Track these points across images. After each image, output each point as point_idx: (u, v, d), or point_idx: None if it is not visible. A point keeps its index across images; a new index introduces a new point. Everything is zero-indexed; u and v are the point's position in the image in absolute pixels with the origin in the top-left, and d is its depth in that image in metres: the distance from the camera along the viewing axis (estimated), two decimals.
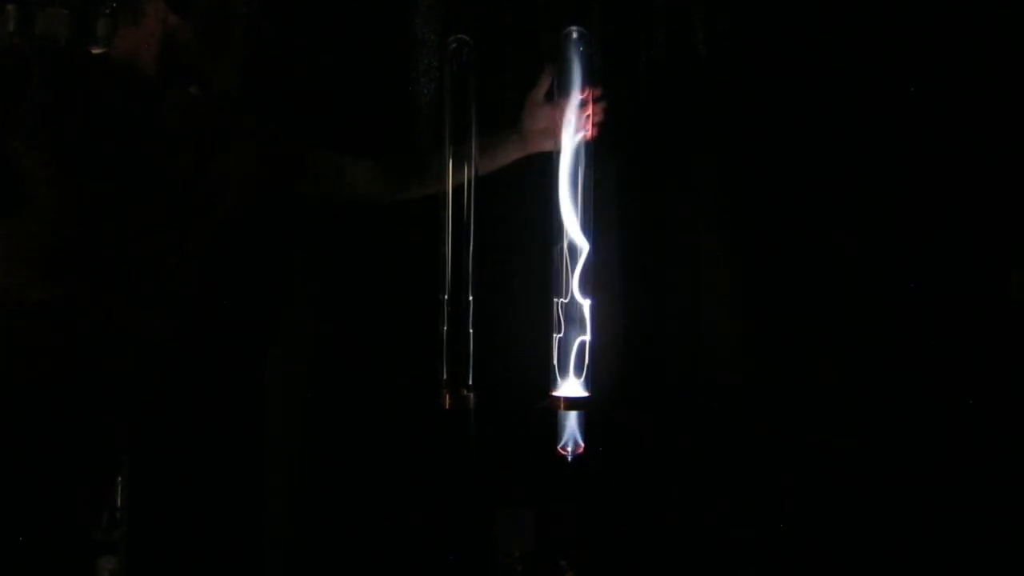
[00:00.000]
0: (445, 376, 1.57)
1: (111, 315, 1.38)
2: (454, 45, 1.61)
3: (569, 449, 1.56)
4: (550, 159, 1.59)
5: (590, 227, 1.55)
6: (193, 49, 1.41)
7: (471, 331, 1.57)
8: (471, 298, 1.58)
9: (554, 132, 1.64)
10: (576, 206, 1.55)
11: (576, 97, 1.57)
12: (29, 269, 1.33)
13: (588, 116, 1.58)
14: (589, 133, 1.58)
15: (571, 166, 1.57)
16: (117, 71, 1.40)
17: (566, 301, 1.54)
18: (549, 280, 1.56)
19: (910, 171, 1.85)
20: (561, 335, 1.54)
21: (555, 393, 1.54)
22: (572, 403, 1.54)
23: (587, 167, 1.57)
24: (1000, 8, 1.82)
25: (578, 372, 1.54)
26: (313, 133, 1.73)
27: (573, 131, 1.57)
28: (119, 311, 1.39)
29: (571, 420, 1.56)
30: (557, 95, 1.60)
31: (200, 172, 1.45)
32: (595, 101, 1.59)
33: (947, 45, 1.83)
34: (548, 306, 1.55)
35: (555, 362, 1.54)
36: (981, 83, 1.82)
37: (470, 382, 1.57)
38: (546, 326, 1.55)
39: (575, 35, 1.57)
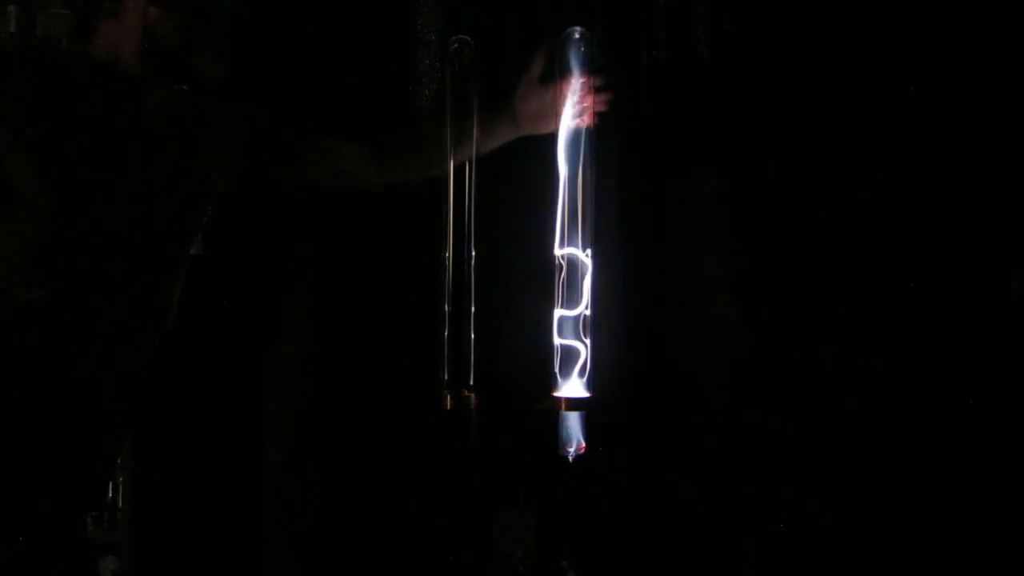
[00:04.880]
0: (446, 377, 1.57)
1: (102, 313, 1.38)
2: (455, 45, 1.61)
3: (570, 449, 1.56)
4: (551, 153, 1.59)
5: (592, 227, 1.55)
6: (175, 41, 1.41)
7: (472, 332, 1.57)
8: (472, 298, 1.58)
9: (548, 115, 1.64)
10: (577, 204, 1.55)
11: (575, 83, 1.57)
12: (17, 268, 1.33)
13: (586, 104, 1.58)
14: (587, 120, 1.57)
15: (572, 162, 1.57)
16: (99, 66, 1.39)
17: (567, 300, 1.54)
18: (551, 280, 1.56)
19: (912, 170, 1.85)
20: (562, 336, 1.55)
21: (556, 394, 1.55)
22: (573, 404, 1.54)
23: (589, 166, 1.57)
24: (1000, 8, 1.82)
25: (579, 373, 1.55)
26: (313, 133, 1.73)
27: (571, 120, 1.57)
28: (110, 308, 1.38)
29: (572, 421, 1.56)
30: (559, 81, 1.60)
31: (185, 164, 1.44)
32: (595, 90, 1.59)
33: (948, 45, 1.83)
34: (549, 307, 1.56)
35: (556, 363, 1.55)
36: (982, 83, 1.82)
37: (471, 383, 1.57)
38: (547, 327, 1.55)
39: (577, 35, 1.57)
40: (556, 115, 1.59)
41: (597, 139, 1.59)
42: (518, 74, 1.69)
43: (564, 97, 1.57)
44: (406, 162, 1.73)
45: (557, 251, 1.56)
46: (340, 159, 1.68)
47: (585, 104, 1.57)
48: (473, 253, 1.59)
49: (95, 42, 1.41)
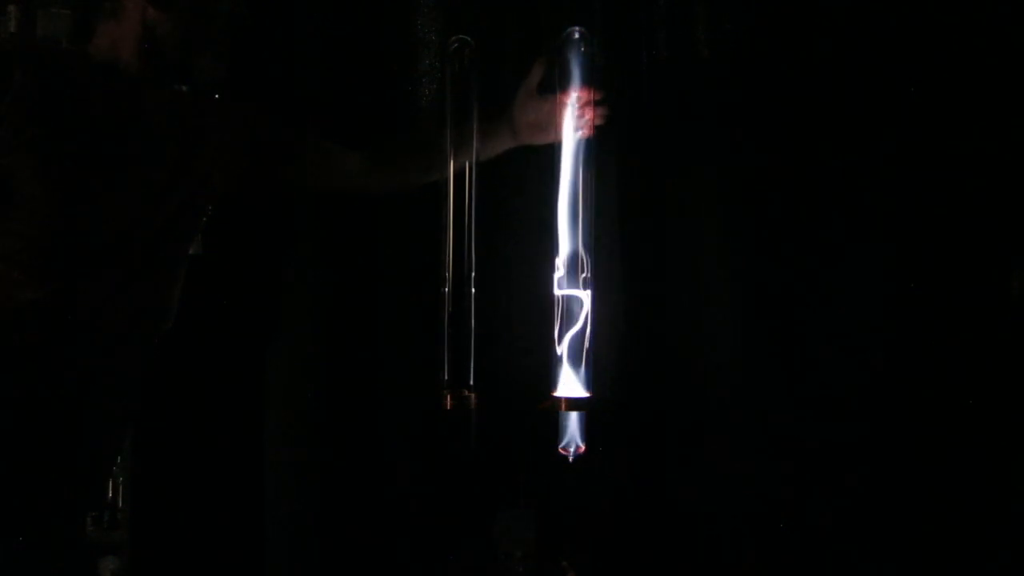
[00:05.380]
0: (446, 377, 1.57)
1: (102, 313, 1.38)
2: (455, 45, 1.61)
3: (570, 449, 1.56)
4: (550, 155, 1.59)
5: (591, 227, 1.55)
6: (174, 41, 1.41)
7: (472, 331, 1.57)
8: (472, 298, 1.58)
9: (546, 126, 1.64)
10: (577, 206, 1.55)
11: (574, 95, 1.57)
12: (17, 268, 1.33)
13: (585, 116, 1.57)
14: (585, 132, 1.57)
15: (571, 164, 1.57)
16: (99, 66, 1.39)
17: (567, 301, 1.54)
18: (550, 280, 1.56)
19: (911, 171, 1.85)
20: (561, 335, 1.55)
21: (556, 394, 1.55)
22: (573, 404, 1.54)
23: (588, 167, 1.57)
24: (1000, 8, 1.82)
25: (579, 373, 1.55)
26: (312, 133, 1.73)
27: (571, 129, 1.57)
28: (110, 308, 1.38)
29: (572, 420, 1.56)
30: (558, 91, 1.59)
31: (185, 164, 1.44)
32: (594, 104, 1.58)
33: (948, 45, 1.83)
34: (549, 306, 1.56)
35: (556, 363, 1.54)
36: (982, 83, 1.82)
37: (471, 383, 1.57)
38: (547, 326, 1.55)
39: (576, 35, 1.57)
40: (555, 126, 1.59)
41: (597, 139, 1.59)
42: (518, 78, 1.69)
43: (563, 107, 1.57)
44: (405, 167, 1.73)
45: (557, 253, 1.56)
46: (340, 161, 1.68)
47: (584, 117, 1.57)
48: (473, 253, 1.59)
49: (95, 42, 1.41)
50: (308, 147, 1.66)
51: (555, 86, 1.59)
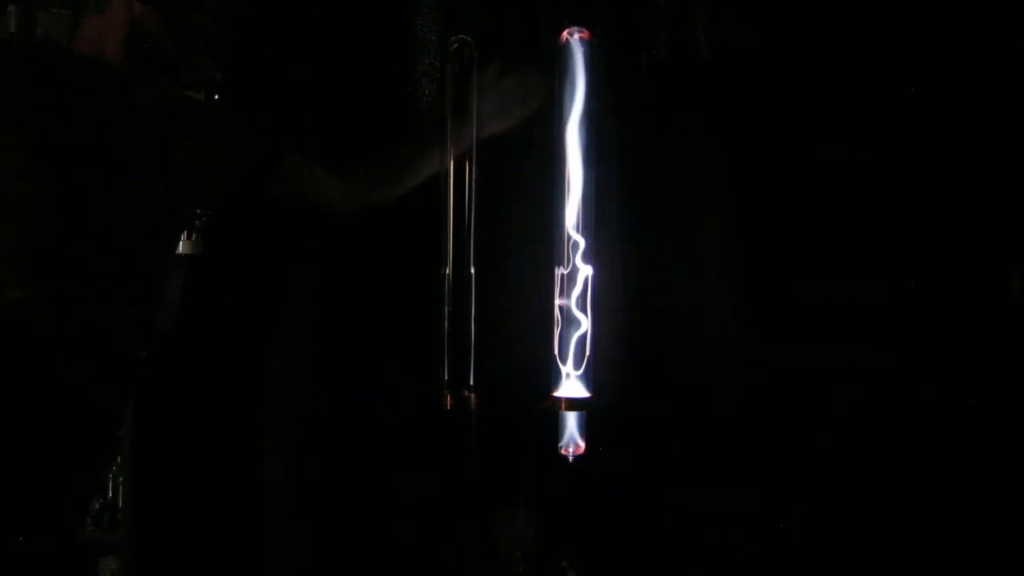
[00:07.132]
0: (446, 377, 1.57)
1: (93, 311, 1.37)
2: (455, 45, 1.61)
3: (570, 450, 1.56)
4: (551, 154, 1.59)
5: (591, 228, 1.55)
6: (162, 37, 1.39)
7: (472, 332, 1.57)
8: (472, 298, 1.58)
9: (503, 114, 1.64)
10: (577, 205, 1.56)
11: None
12: (7, 267, 1.32)
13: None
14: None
15: (571, 163, 1.57)
16: (83, 62, 1.38)
17: (567, 302, 1.54)
18: (550, 281, 1.56)
19: (911, 171, 1.85)
20: (562, 336, 1.55)
21: (556, 394, 1.55)
22: (573, 404, 1.54)
23: (588, 166, 1.57)
24: (1000, 8, 1.83)
25: (580, 373, 1.55)
26: (313, 134, 1.73)
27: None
28: (100, 307, 1.38)
29: (572, 421, 1.56)
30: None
31: (174, 163, 1.43)
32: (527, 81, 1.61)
33: (948, 45, 1.83)
34: (549, 307, 1.56)
35: (556, 363, 1.55)
36: (982, 83, 1.82)
37: (471, 383, 1.57)
38: (547, 327, 1.55)
39: (576, 35, 1.57)
40: (503, 113, 1.62)
41: (597, 140, 1.59)
42: (519, 75, 1.69)
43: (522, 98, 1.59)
44: (392, 179, 1.70)
45: (557, 253, 1.57)
46: (323, 188, 1.63)
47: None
48: (472, 253, 1.59)
49: (79, 37, 1.39)
50: (293, 164, 1.61)
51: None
